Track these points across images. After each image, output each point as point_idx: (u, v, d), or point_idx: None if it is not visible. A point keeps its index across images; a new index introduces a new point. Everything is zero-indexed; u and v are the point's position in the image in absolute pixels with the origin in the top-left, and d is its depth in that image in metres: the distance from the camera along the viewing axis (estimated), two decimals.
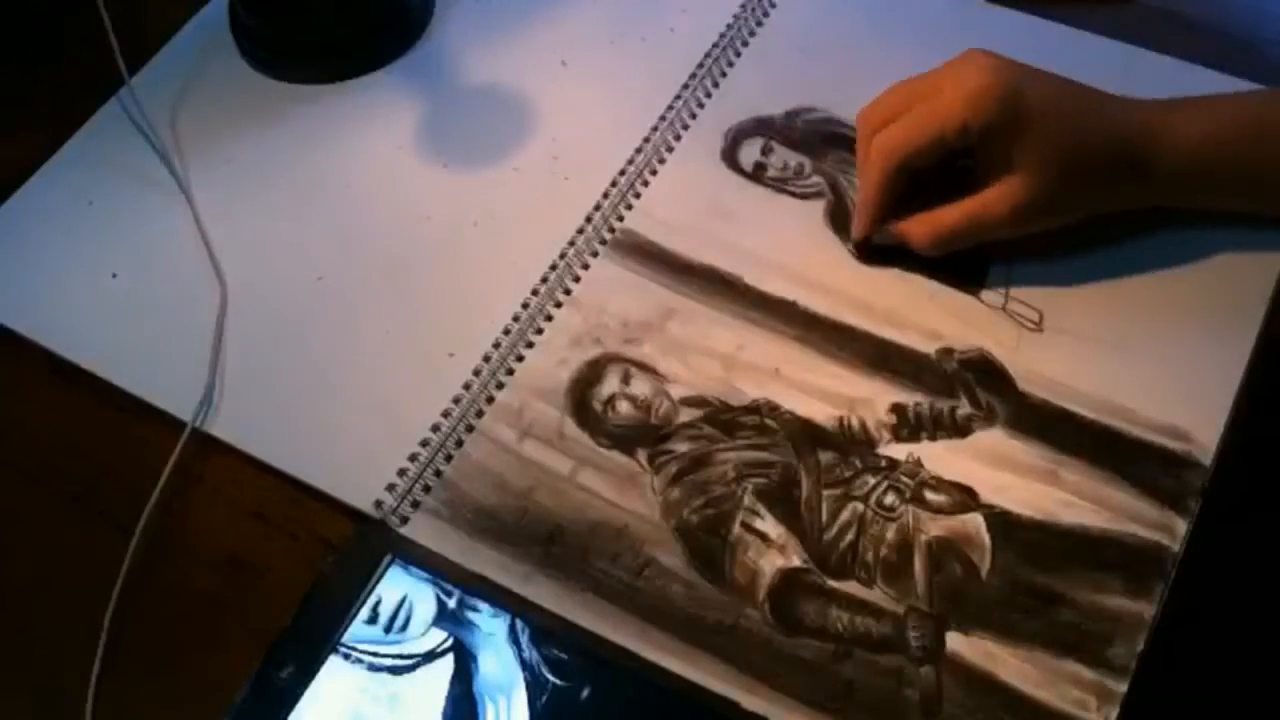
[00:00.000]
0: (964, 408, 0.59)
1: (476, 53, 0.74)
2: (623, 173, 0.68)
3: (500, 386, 0.61)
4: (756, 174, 0.68)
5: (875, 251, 0.64)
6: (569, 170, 0.69)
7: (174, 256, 0.67)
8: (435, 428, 0.60)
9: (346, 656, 0.54)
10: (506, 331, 0.63)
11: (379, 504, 0.57)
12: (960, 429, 0.58)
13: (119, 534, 0.57)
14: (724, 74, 0.72)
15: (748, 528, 0.56)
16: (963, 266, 0.63)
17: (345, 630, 0.54)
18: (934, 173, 0.61)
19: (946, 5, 0.74)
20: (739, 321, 0.63)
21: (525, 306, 0.63)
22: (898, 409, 0.59)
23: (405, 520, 0.57)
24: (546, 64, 0.73)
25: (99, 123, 0.72)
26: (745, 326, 0.62)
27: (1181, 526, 0.55)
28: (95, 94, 0.73)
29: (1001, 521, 0.56)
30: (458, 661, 0.54)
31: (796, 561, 0.55)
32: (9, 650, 0.56)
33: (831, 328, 0.62)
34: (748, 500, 0.57)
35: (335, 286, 0.65)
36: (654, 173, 0.68)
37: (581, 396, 0.61)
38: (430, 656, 0.54)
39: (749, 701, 0.52)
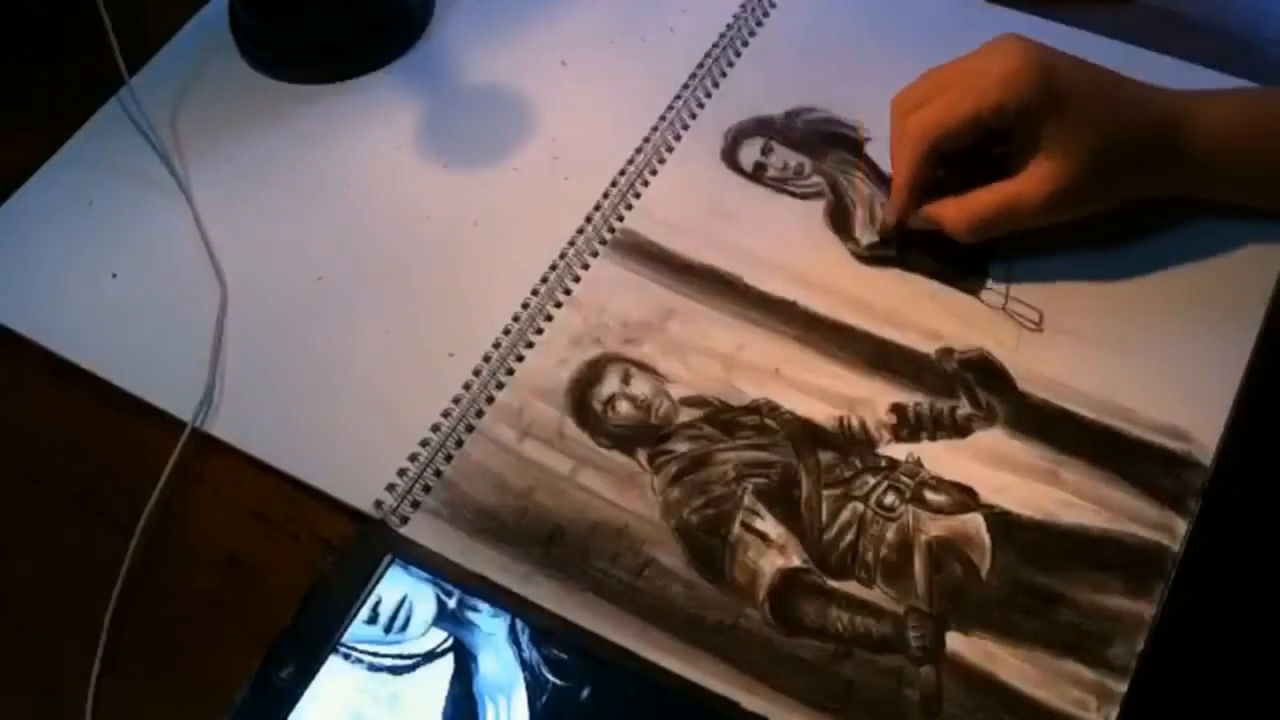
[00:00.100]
0: (964, 408, 0.59)
1: (476, 53, 0.74)
2: (623, 173, 0.68)
3: (500, 386, 0.61)
4: (756, 174, 0.68)
5: (892, 243, 0.64)
6: (569, 170, 0.69)
7: (174, 256, 0.67)
8: (435, 428, 0.60)
9: (346, 656, 0.54)
10: (506, 331, 0.63)
11: (379, 504, 0.57)
12: (960, 429, 0.58)
13: (119, 534, 0.57)
14: (724, 74, 0.72)
15: (748, 528, 0.56)
16: (963, 266, 0.63)
17: (345, 630, 0.54)
18: (965, 161, 0.61)
19: (947, 5, 0.74)
20: (739, 321, 0.63)
21: (525, 306, 0.63)
22: (898, 409, 0.59)
23: (405, 520, 0.57)
24: (546, 64, 0.73)
25: (99, 123, 0.72)
26: (745, 326, 0.62)
27: (1181, 526, 0.55)
28: (95, 94, 0.73)
29: (1001, 521, 0.56)
30: (458, 661, 0.54)
31: (796, 561, 0.55)
32: (9, 650, 0.56)
33: (831, 328, 0.62)
34: (748, 500, 0.57)
35: (335, 286, 0.65)
36: (654, 173, 0.68)
37: (581, 396, 0.61)
38: (430, 656, 0.54)
39: (749, 701, 0.52)
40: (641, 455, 0.59)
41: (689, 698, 0.52)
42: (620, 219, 0.67)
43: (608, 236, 0.66)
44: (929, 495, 0.57)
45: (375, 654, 0.54)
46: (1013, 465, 0.57)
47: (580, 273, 0.65)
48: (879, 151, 0.68)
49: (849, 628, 0.53)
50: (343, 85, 0.73)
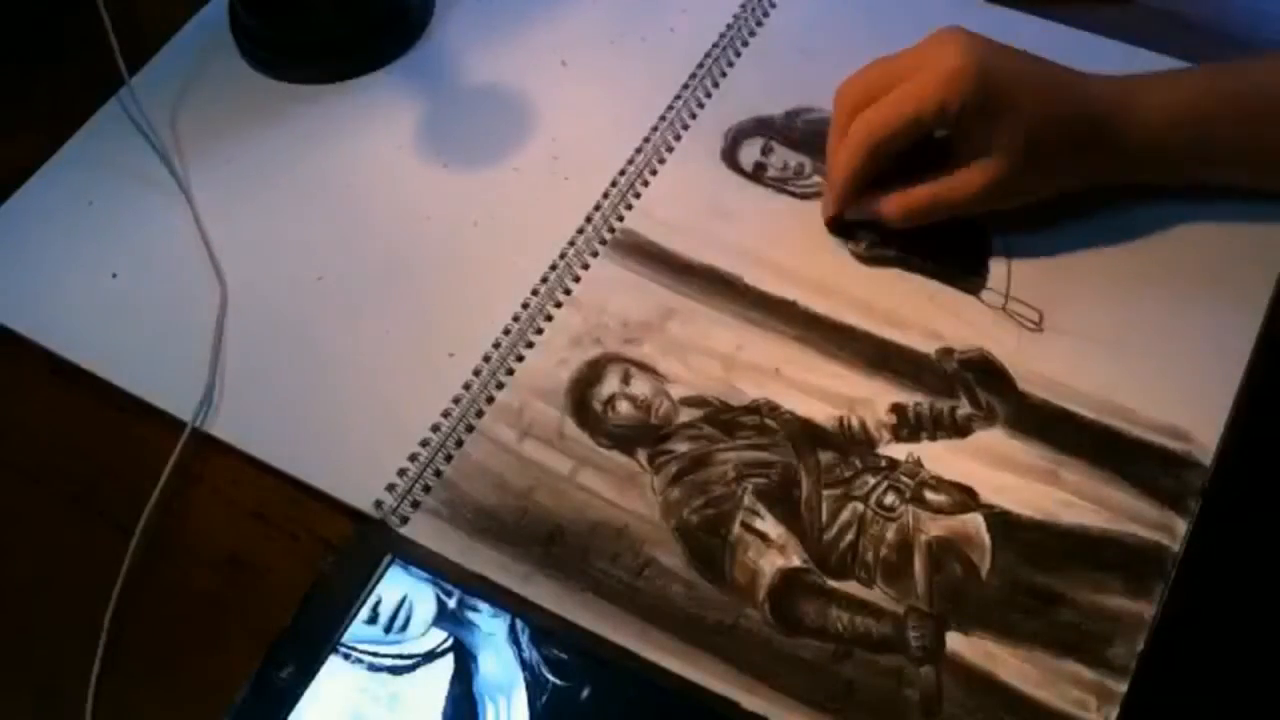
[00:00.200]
0: (964, 408, 0.59)
1: (476, 53, 0.74)
2: (623, 173, 0.68)
3: (500, 386, 0.61)
4: (756, 174, 0.68)
5: (845, 228, 0.65)
6: (569, 170, 0.69)
7: (174, 256, 0.67)
8: (435, 428, 0.60)
9: (346, 656, 0.54)
10: (506, 331, 0.63)
11: (379, 504, 0.57)
12: (960, 429, 0.58)
13: (119, 534, 0.57)
14: (724, 74, 0.72)
15: (748, 528, 0.56)
16: (963, 266, 0.63)
17: (345, 630, 0.54)
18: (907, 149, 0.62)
19: (946, 5, 0.74)
20: (739, 321, 0.63)
21: (525, 306, 0.63)
22: (898, 409, 0.59)
23: (405, 520, 0.57)
24: (546, 64, 0.73)
25: (99, 123, 0.72)
26: (745, 326, 0.62)
27: (1181, 526, 0.55)
28: (95, 94, 0.73)
29: (1001, 521, 0.56)
30: (458, 661, 0.54)
31: (796, 561, 0.55)
32: (9, 650, 0.56)
33: (831, 328, 0.62)
34: (748, 500, 0.57)
35: (335, 286, 0.65)
36: (654, 173, 0.68)
37: (581, 396, 0.61)
38: (430, 656, 0.54)
39: (749, 701, 0.52)
40: (641, 455, 0.59)
41: (689, 698, 0.52)
42: (620, 219, 0.67)
43: (608, 236, 0.66)
44: (929, 495, 0.57)
45: (375, 654, 0.54)
46: (1013, 465, 0.57)
47: (580, 273, 0.65)
48: None
49: (849, 628, 0.53)
50: (343, 85, 0.73)
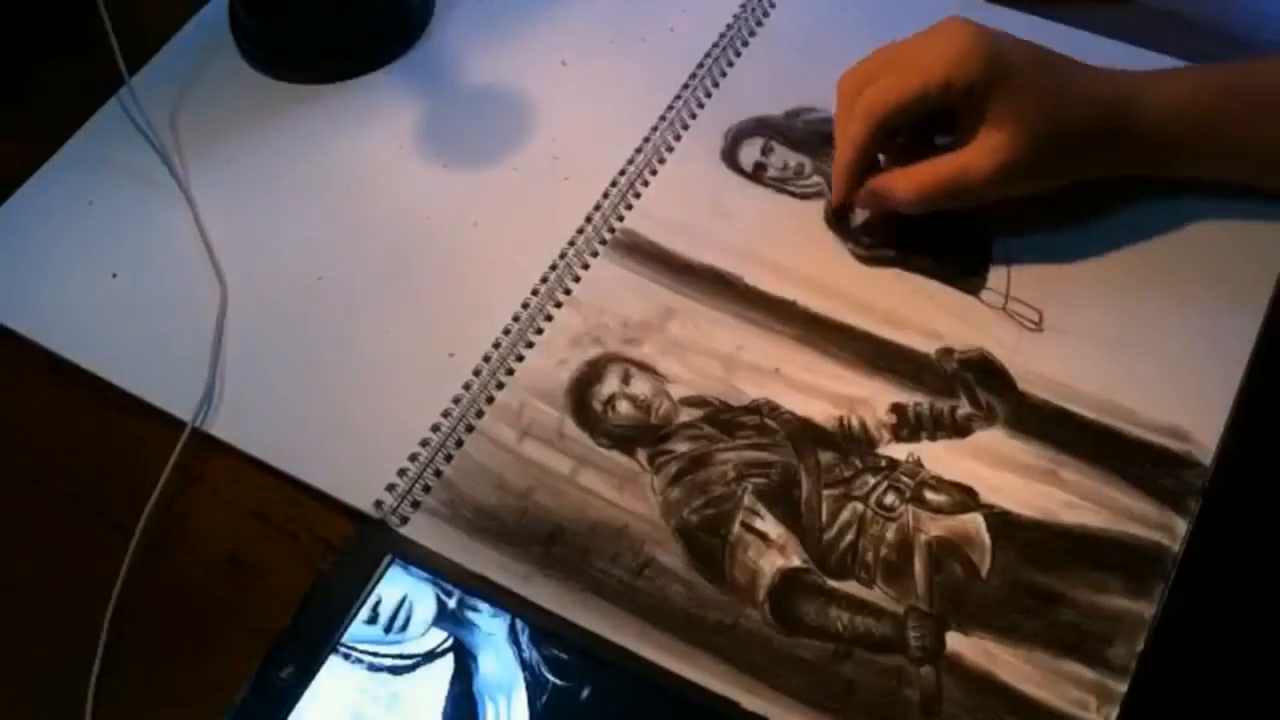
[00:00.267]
0: (964, 408, 0.59)
1: (476, 53, 0.74)
2: (623, 173, 0.68)
3: (500, 386, 0.61)
4: (756, 174, 0.68)
5: (846, 226, 0.65)
6: (569, 170, 0.69)
7: (174, 256, 0.67)
8: (435, 428, 0.60)
9: (346, 656, 0.54)
10: (506, 331, 0.63)
11: (379, 504, 0.57)
12: (960, 429, 0.58)
13: (119, 534, 0.57)
14: (724, 74, 0.72)
15: (748, 528, 0.56)
16: (963, 266, 0.63)
17: (345, 630, 0.54)
18: (906, 148, 0.62)
19: (946, 5, 0.74)
20: (739, 321, 0.63)
21: (525, 306, 0.63)
22: (898, 409, 0.59)
23: (405, 520, 0.57)
24: (546, 64, 0.73)
25: (99, 123, 0.72)
26: (745, 326, 0.62)
27: (1181, 526, 0.55)
28: (95, 94, 0.73)
29: (1001, 521, 0.56)
30: (458, 661, 0.54)
31: (796, 561, 0.55)
32: (9, 650, 0.56)
33: (831, 328, 0.62)
34: (748, 500, 0.57)
35: (335, 286, 0.65)
36: (654, 173, 0.68)
37: (581, 396, 0.61)
38: (430, 656, 0.54)
39: (749, 701, 0.52)
40: (641, 455, 0.59)
41: (689, 698, 0.52)
42: (620, 219, 0.67)
43: (608, 236, 0.66)
44: (929, 495, 0.57)
45: (375, 654, 0.54)
46: (1013, 465, 0.57)
47: (580, 273, 0.65)
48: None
49: (849, 628, 0.53)
50: (343, 85, 0.73)
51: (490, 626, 0.55)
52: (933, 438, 0.58)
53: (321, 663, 0.54)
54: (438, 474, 0.58)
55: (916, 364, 0.61)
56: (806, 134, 0.69)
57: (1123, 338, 0.61)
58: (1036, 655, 0.52)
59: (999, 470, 0.57)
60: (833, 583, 0.55)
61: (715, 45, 0.73)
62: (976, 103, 0.59)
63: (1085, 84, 0.61)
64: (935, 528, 0.56)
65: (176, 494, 0.59)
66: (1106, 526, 0.55)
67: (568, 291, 0.64)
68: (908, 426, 0.59)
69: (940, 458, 0.58)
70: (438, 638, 0.55)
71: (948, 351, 0.61)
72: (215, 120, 0.72)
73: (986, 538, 0.55)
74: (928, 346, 0.61)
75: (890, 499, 0.56)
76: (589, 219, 0.66)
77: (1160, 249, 0.63)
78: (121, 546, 0.57)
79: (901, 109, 0.60)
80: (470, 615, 0.55)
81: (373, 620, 0.55)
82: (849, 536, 0.56)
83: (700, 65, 0.73)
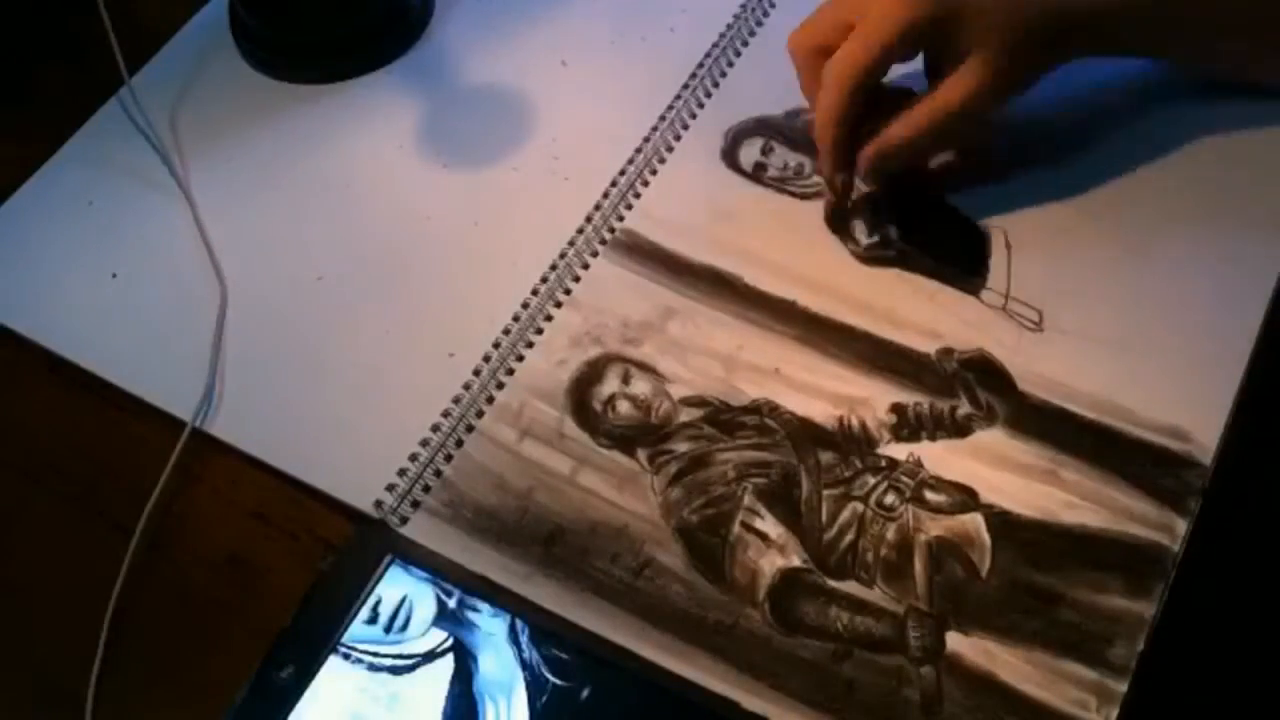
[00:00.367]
0: (964, 408, 0.59)
1: (476, 53, 0.74)
2: (623, 173, 0.68)
3: (500, 386, 0.61)
4: (756, 174, 0.68)
5: (844, 225, 0.65)
6: (569, 170, 0.69)
7: (174, 256, 0.67)
8: (435, 428, 0.60)
9: (346, 656, 0.54)
10: (506, 331, 0.63)
11: (379, 504, 0.57)
12: (960, 429, 0.58)
13: (119, 534, 0.57)
14: (724, 74, 0.72)
15: (748, 528, 0.56)
16: (963, 266, 0.63)
17: (345, 630, 0.54)
18: (884, 99, 0.62)
19: None
20: (739, 321, 0.63)
21: (525, 306, 0.63)
22: (898, 409, 0.59)
23: (405, 520, 0.57)
24: (546, 64, 0.73)
25: (99, 123, 0.72)
26: (745, 326, 0.62)
27: (1181, 526, 0.55)
28: (95, 94, 0.73)
29: (1001, 521, 0.56)
30: (458, 661, 0.54)
31: (796, 561, 0.55)
32: (9, 650, 0.56)
33: (831, 328, 0.62)
34: (748, 500, 0.57)
35: (335, 286, 0.65)
36: (654, 173, 0.68)
37: (581, 396, 0.61)
38: (430, 656, 0.54)
39: (749, 701, 0.52)
40: (641, 455, 0.59)
41: (689, 698, 0.52)
42: (620, 219, 0.67)
43: (608, 237, 0.66)
44: (929, 495, 0.57)
45: (375, 654, 0.54)
46: (1013, 465, 0.57)
47: (580, 273, 0.65)
48: None
49: (849, 628, 0.53)
50: (343, 85, 0.73)
51: (490, 626, 0.55)
52: (933, 438, 0.58)
53: (321, 663, 0.54)
54: (438, 474, 0.58)
55: (916, 364, 0.61)
56: (806, 134, 0.69)
57: (1123, 338, 0.61)
58: (1036, 655, 0.52)
59: (999, 470, 0.57)
60: (833, 583, 0.55)
61: (715, 45, 0.73)
62: (938, 38, 0.59)
63: None
64: (935, 528, 0.56)
65: (176, 494, 0.59)
66: (1106, 526, 0.55)
67: (568, 291, 0.64)
68: (908, 426, 0.59)
69: (940, 458, 0.58)
70: (438, 638, 0.55)
71: (948, 351, 0.61)
72: (215, 120, 0.72)
73: (986, 538, 0.55)
74: (928, 346, 0.61)
75: (890, 499, 0.57)
76: (589, 219, 0.66)
77: (1160, 249, 0.63)
78: (121, 546, 0.57)
79: (872, 68, 0.60)
80: (470, 615, 0.55)
81: (373, 620, 0.55)
82: (849, 536, 0.56)
83: (700, 65, 0.73)
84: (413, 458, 0.59)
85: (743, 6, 0.75)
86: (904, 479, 0.57)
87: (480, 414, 0.60)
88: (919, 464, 0.57)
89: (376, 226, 0.67)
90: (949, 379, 0.60)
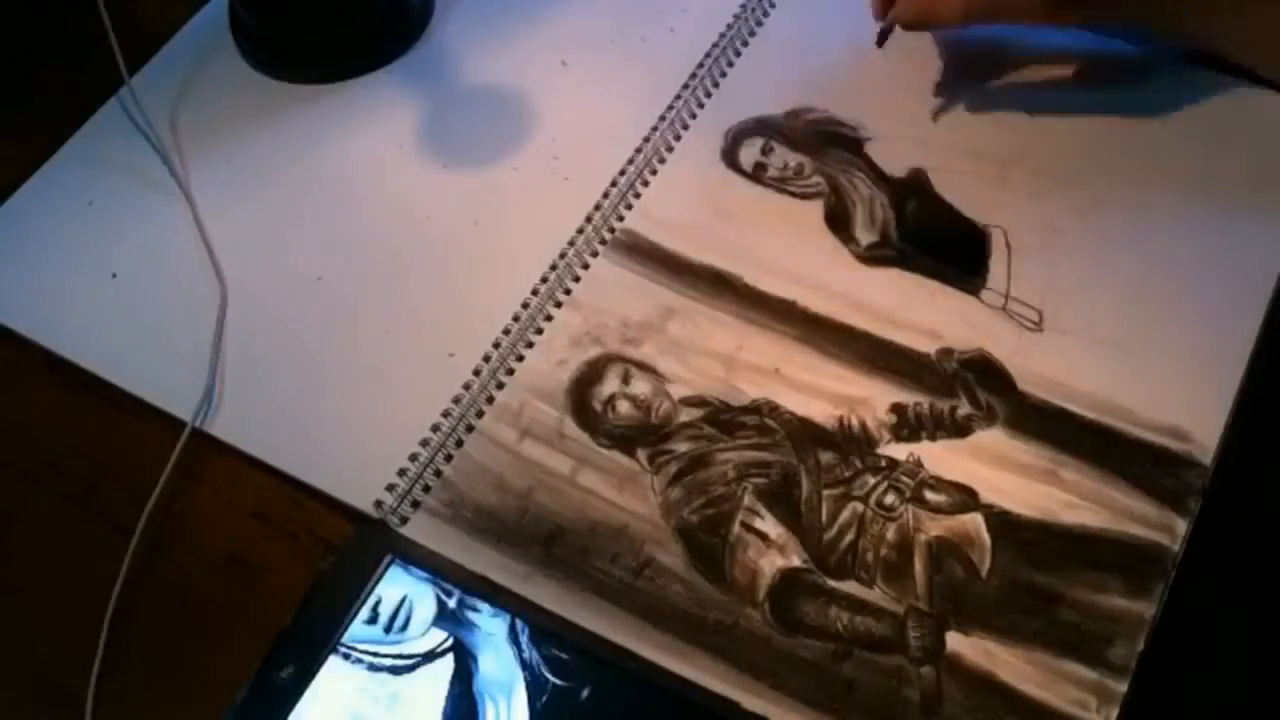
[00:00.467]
0: (964, 408, 0.59)
1: (476, 53, 0.74)
2: (623, 173, 0.68)
3: (500, 386, 0.61)
4: (756, 174, 0.68)
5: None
6: (569, 170, 0.69)
7: (174, 256, 0.67)
8: (435, 428, 0.60)
9: (346, 656, 0.54)
10: (506, 331, 0.63)
11: (379, 504, 0.57)
12: (960, 429, 0.58)
13: (119, 534, 0.57)
14: (724, 74, 0.72)
15: (748, 528, 0.56)
16: (963, 266, 0.63)
17: (345, 630, 0.54)
18: None
19: None
20: (739, 321, 0.63)
21: (525, 306, 0.63)
22: (898, 409, 0.59)
23: (405, 520, 0.57)
24: (546, 64, 0.73)
25: (99, 123, 0.72)
26: (745, 326, 0.62)
27: (1181, 526, 0.55)
28: (95, 94, 0.73)
29: (1001, 521, 0.56)
30: (458, 661, 0.54)
31: (796, 561, 0.55)
32: (9, 650, 0.56)
33: (831, 328, 0.62)
34: (748, 500, 0.57)
35: (335, 286, 0.65)
36: (654, 173, 0.68)
37: (581, 396, 0.61)
38: (430, 656, 0.54)
39: (749, 701, 0.52)
40: (641, 455, 0.59)
41: (689, 698, 0.52)
42: (620, 219, 0.67)
43: (608, 236, 0.66)
44: (929, 495, 0.57)
45: (375, 654, 0.54)
46: (1013, 465, 0.57)
47: (580, 273, 0.65)
48: (879, 151, 0.68)
49: (849, 628, 0.53)
50: (343, 85, 0.73)
51: (490, 626, 0.55)
52: (933, 438, 0.58)
53: (321, 663, 0.54)
54: (438, 474, 0.58)
55: (916, 364, 0.61)
56: (806, 134, 0.69)
57: (1123, 338, 0.61)
58: (1036, 655, 0.52)
59: (999, 470, 0.57)
60: (833, 583, 0.55)
61: (715, 45, 0.73)
62: None
63: None
64: (935, 528, 0.56)
65: (176, 494, 0.59)
66: (1106, 526, 0.55)
67: (568, 291, 0.64)
68: (908, 426, 0.59)
69: (940, 458, 0.58)
70: (438, 638, 0.55)
71: (948, 351, 0.61)
72: (215, 120, 0.72)
73: (986, 538, 0.55)
74: (928, 346, 0.61)
75: (890, 499, 0.57)
76: (589, 219, 0.66)
77: (1160, 249, 0.63)
78: (121, 546, 0.57)
79: None
80: (470, 615, 0.55)
81: (373, 620, 0.55)
82: (849, 536, 0.56)
83: (700, 65, 0.73)
84: (413, 458, 0.59)
85: (743, 6, 0.75)
86: (904, 479, 0.57)
87: (480, 414, 0.60)
88: (919, 464, 0.57)
89: (377, 226, 0.67)
90: (949, 379, 0.60)
